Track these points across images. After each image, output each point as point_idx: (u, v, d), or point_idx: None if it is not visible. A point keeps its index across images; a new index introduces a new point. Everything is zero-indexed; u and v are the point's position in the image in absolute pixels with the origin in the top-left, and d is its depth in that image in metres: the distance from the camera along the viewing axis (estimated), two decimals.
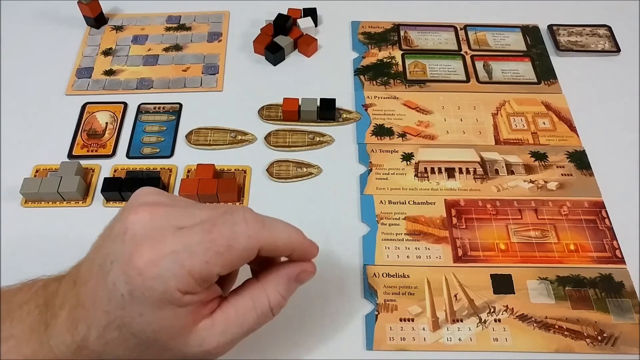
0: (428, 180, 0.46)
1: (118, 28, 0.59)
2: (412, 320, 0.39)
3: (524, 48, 0.57)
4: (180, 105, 0.52)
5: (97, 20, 0.58)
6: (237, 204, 0.45)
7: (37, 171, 0.47)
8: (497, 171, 0.47)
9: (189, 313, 0.26)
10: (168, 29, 0.59)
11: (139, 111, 0.51)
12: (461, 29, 0.59)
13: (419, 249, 0.42)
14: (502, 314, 0.39)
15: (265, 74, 0.55)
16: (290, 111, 0.49)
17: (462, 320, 0.39)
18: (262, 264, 0.31)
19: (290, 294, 0.30)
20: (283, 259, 0.31)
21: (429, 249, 0.42)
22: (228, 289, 0.31)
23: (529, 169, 0.47)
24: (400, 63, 0.55)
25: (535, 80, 0.54)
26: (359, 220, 0.44)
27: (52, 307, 0.28)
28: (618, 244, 0.43)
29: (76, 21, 0.58)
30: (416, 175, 0.47)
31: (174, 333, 0.26)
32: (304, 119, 0.50)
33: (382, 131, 0.50)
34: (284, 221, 0.29)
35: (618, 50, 0.57)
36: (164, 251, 0.25)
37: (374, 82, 0.54)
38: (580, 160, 0.48)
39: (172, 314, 0.26)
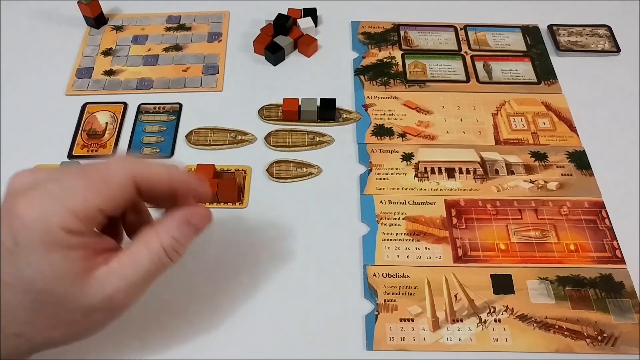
0: (428, 180, 0.46)
1: (118, 28, 0.59)
2: (412, 320, 0.39)
3: (524, 48, 0.57)
4: (180, 105, 0.52)
5: (97, 20, 0.58)
6: (237, 204, 0.45)
7: None
8: (497, 171, 0.47)
9: (80, 258, 0.26)
10: (168, 29, 0.59)
11: (139, 111, 0.51)
12: (461, 29, 0.59)
13: (419, 249, 0.42)
14: (502, 314, 0.39)
15: (265, 74, 0.55)
16: (290, 111, 0.49)
17: (462, 320, 0.39)
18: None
19: (186, 238, 0.30)
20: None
21: (429, 249, 0.42)
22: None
23: (529, 169, 0.47)
24: (400, 63, 0.55)
25: (535, 80, 0.54)
26: (359, 220, 0.44)
27: None
28: (618, 244, 0.43)
29: (76, 21, 0.58)
30: (416, 175, 0.47)
31: (67, 280, 0.26)
32: (304, 119, 0.50)
33: (382, 131, 0.50)
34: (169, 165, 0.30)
35: (618, 50, 0.57)
36: (42, 194, 0.26)
37: (374, 82, 0.54)
38: (580, 160, 0.48)
39: (62, 257, 0.26)
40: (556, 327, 0.39)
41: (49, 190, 0.26)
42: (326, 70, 0.55)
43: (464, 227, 0.44)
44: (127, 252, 0.28)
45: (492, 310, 0.39)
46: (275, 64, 0.55)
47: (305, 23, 0.57)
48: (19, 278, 0.26)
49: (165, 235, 0.29)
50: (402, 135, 0.49)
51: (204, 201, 0.32)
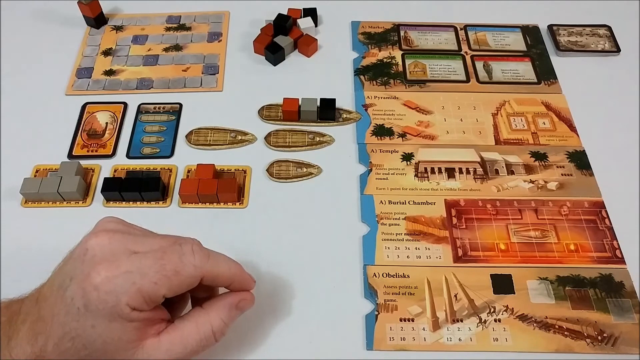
0: (428, 180, 0.46)
1: (118, 28, 0.59)
2: (412, 320, 0.39)
3: (524, 48, 0.57)
4: (180, 105, 0.52)
5: (97, 20, 0.58)
6: (237, 204, 0.45)
7: (37, 171, 0.47)
8: (497, 171, 0.47)
9: (136, 329, 0.29)
10: (168, 29, 0.59)
11: (139, 111, 0.51)
12: (461, 29, 0.59)
13: (419, 249, 0.42)
14: (502, 314, 0.39)
15: (265, 74, 0.55)
16: (290, 111, 0.49)
17: (462, 320, 0.39)
18: (205, 292, 0.34)
19: (232, 320, 0.33)
20: (222, 290, 0.34)
21: (429, 249, 0.42)
22: (177, 316, 0.34)
23: (529, 169, 0.47)
24: (400, 63, 0.55)
25: (535, 80, 0.54)
26: (359, 220, 0.44)
27: (14, 324, 0.30)
28: (618, 244, 0.43)
29: (76, 21, 0.58)
30: (416, 175, 0.47)
31: (121, 346, 0.29)
32: (304, 119, 0.50)
33: (382, 131, 0.50)
34: (227, 256, 0.33)
35: (618, 50, 0.57)
36: (118, 270, 0.29)
37: (374, 82, 0.54)
38: (580, 160, 0.48)
39: (121, 327, 0.29)
40: (556, 327, 0.39)
41: (127, 268, 0.29)
42: (326, 70, 0.55)
43: (464, 227, 0.44)
44: (179, 329, 0.31)
45: (492, 310, 0.39)
46: (275, 64, 0.55)
47: (305, 23, 0.57)
48: (81, 333, 0.29)
49: (216, 319, 0.32)
50: (402, 135, 0.49)
51: (249, 289, 0.35)
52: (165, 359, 0.30)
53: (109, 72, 0.54)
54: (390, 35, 0.58)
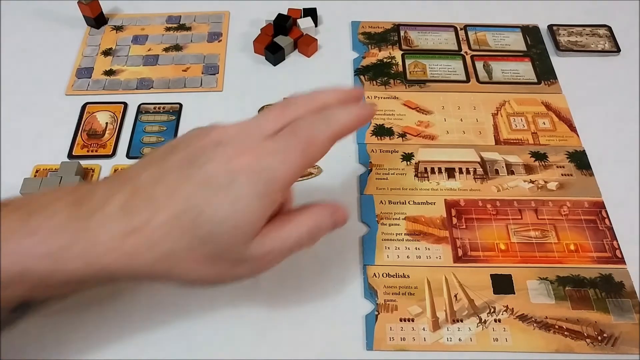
0: (428, 180, 0.46)
1: (118, 28, 0.59)
2: (412, 320, 0.39)
3: (524, 48, 0.57)
4: (180, 105, 0.52)
5: (97, 20, 0.58)
6: None
7: (37, 171, 0.47)
8: (497, 171, 0.47)
9: (264, 217, 0.29)
10: (168, 29, 0.59)
11: (139, 111, 0.51)
12: (461, 29, 0.59)
13: (419, 249, 0.42)
14: (502, 314, 0.39)
15: (265, 74, 0.55)
16: None
17: (462, 321, 0.39)
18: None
19: (326, 231, 0.32)
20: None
21: (429, 249, 0.42)
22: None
23: (529, 169, 0.47)
24: (400, 63, 0.55)
25: (535, 80, 0.54)
26: (359, 220, 0.44)
27: (88, 203, 0.28)
28: (618, 244, 0.43)
29: (76, 21, 0.58)
30: (416, 175, 0.47)
31: (242, 235, 0.28)
32: None
33: (382, 131, 0.50)
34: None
35: (618, 50, 0.57)
36: (264, 152, 0.28)
37: (374, 82, 0.54)
38: (580, 160, 0.48)
39: (258, 210, 0.28)
40: (556, 327, 0.39)
41: (271, 149, 0.29)
42: (326, 70, 0.55)
43: (464, 227, 0.44)
44: (286, 223, 0.31)
45: (492, 310, 0.39)
46: (275, 64, 0.55)
47: (305, 23, 0.57)
48: (208, 210, 0.27)
49: (312, 223, 0.31)
50: (402, 135, 0.49)
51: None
52: (275, 247, 0.30)
53: (109, 72, 0.54)
54: (390, 35, 0.58)
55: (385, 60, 0.56)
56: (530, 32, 0.59)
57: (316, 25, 0.58)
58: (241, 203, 0.27)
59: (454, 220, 0.44)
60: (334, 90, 0.33)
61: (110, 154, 0.48)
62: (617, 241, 0.43)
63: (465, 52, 0.57)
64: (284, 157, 0.28)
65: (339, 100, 0.32)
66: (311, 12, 0.58)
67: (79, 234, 0.27)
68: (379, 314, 0.39)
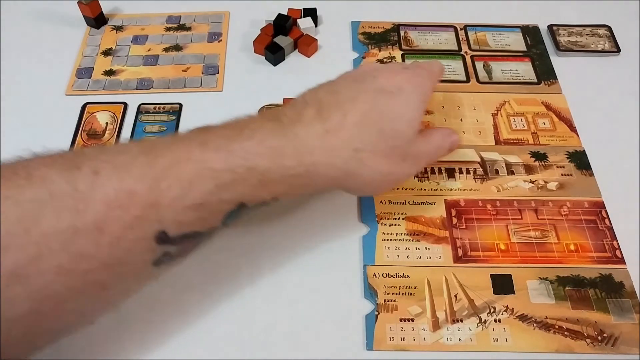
0: (428, 181, 0.46)
1: (118, 28, 0.59)
2: (412, 320, 0.39)
3: (524, 48, 0.57)
4: (180, 105, 0.52)
5: (97, 20, 0.58)
6: None
7: None
8: (497, 171, 0.47)
9: (421, 114, 0.37)
10: (168, 29, 0.59)
11: (139, 111, 0.51)
12: (461, 29, 0.59)
13: (419, 249, 0.42)
14: (502, 314, 0.39)
15: (265, 74, 0.55)
16: None
17: (462, 321, 0.39)
18: None
19: (444, 151, 0.41)
20: None
21: (429, 249, 0.42)
22: None
23: (529, 169, 0.47)
24: None
25: (535, 81, 0.54)
26: (359, 220, 0.44)
27: (284, 118, 0.34)
28: (618, 244, 0.43)
29: (76, 21, 0.58)
30: (416, 176, 0.47)
31: (411, 122, 0.36)
32: None
33: None
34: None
35: (618, 50, 0.57)
36: (414, 74, 0.38)
37: None
38: (580, 160, 0.48)
39: (420, 108, 0.37)
40: (556, 327, 0.39)
41: (415, 72, 0.39)
42: (326, 70, 0.54)
43: (464, 227, 0.44)
44: (430, 134, 0.40)
45: (492, 310, 0.39)
46: (275, 64, 0.55)
47: (305, 23, 0.57)
48: (386, 110, 0.35)
49: (442, 140, 0.40)
50: None
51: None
52: (429, 149, 0.39)
53: (109, 72, 0.54)
54: (390, 35, 0.58)
55: (385, 60, 0.56)
56: (530, 32, 0.59)
57: (316, 25, 0.58)
58: (410, 104, 0.36)
59: (454, 220, 0.44)
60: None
61: None
62: (617, 241, 0.43)
63: (465, 52, 0.57)
64: (424, 77, 0.38)
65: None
66: (311, 12, 0.58)
67: (288, 137, 0.32)
68: (379, 314, 0.39)
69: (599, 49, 0.57)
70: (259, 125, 0.33)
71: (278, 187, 0.32)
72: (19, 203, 0.26)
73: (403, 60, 0.56)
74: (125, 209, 0.27)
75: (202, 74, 0.54)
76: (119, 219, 0.27)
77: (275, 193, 0.33)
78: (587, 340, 0.38)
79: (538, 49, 0.57)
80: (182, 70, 0.55)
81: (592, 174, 0.47)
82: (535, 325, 0.39)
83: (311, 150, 0.32)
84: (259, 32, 0.56)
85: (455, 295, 0.40)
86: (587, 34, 0.58)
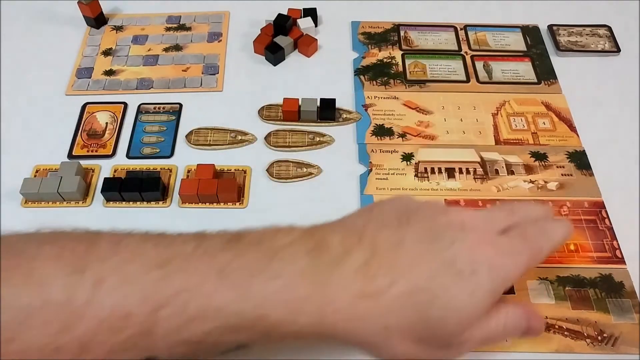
0: (428, 181, 0.46)
1: (118, 28, 0.59)
2: None
3: (524, 48, 0.57)
4: (180, 105, 0.52)
5: (97, 20, 0.58)
6: (237, 204, 0.45)
7: (37, 171, 0.47)
8: (497, 171, 0.47)
9: (490, 305, 0.28)
10: (168, 29, 0.59)
11: (139, 111, 0.51)
12: (461, 29, 0.59)
13: None
14: None
15: (265, 74, 0.55)
16: (290, 111, 0.49)
17: None
18: None
19: (515, 334, 0.31)
20: None
21: None
22: None
23: (529, 169, 0.47)
24: (400, 63, 0.55)
25: (535, 80, 0.54)
26: None
27: (327, 254, 0.28)
28: (618, 244, 0.43)
29: (76, 21, 0.58)
30: (416, 176, 0.47)
31: (470, 318, 0.28)
32: (304, 119, 0.50)
33: (382, 131, 0.50)
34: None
35: (618, 50, 0.57)
36: (502, 250, 0.29)
37: (374, 82, 0.54)
38: (580, 160, 0.48)
39: (485, 302, 0.28)
40: (556, 327, 0.39)
41: (508, 248, 0.29)
42: (326, 70, 0.55)
43: None
44: (496, 316, 0.29)
45: None
46: (275, 64, 0.55)
47: (305, 23, 0.57)
48: (440, 293, 0.27)
49: (522, 321, 0.31)
50: (402, 135, 0.49)
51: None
52: (477, 340, 0.29)
53: (109, 72, 0.54)
54: (390, 35, 0.58)
55: (385, 60, 0.56)
56: (530, 32, 0.59)
57: (316, 25, 0.58)
58: (478, 295, 0.27)
59: None
60: (542, 207, 0.35)
61: (110, 154, 0.48)
62: (617, 241, 0.43)
63: (465, 52, 0.57)
64: (516, 259, 0.29)
65: (546, 215, 0.34)
66: (311, 12, 0.58)
67: (318, 288, 0.27)
68: None
69: (599, 49, 0.57)
70: (293, 254, 0.28)
71: (284, 336, 0.28)
72: (10, 308, 0.24)
73: (403, 60, 0.56)
74: (116, 332, 0.25)
75: (202, 74, 0.54)
76: (107, 341, 0.25)
77: (281, 339, 0.28)
78: (587, 340, 0.38)
79: (538, 49, 0.57)
80: (182, 70, 0.55)
81: (592, 174, 0.47)
82: None
83: (337, 310, 0.27)
84: (259, 32, 0.56)
85: None
86: (587, 34, 0.58)
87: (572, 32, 0.58)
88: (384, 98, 0.52)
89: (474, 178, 0.47)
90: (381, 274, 0.27)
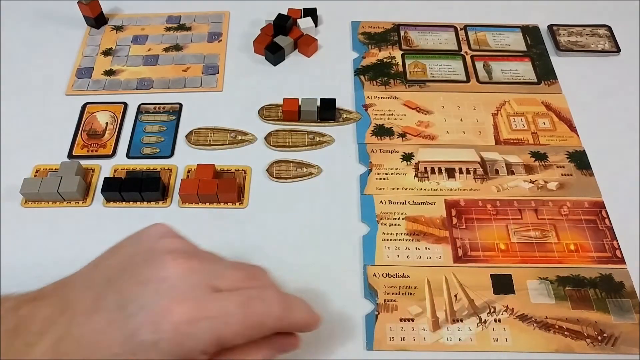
0: (428, 180, 0.46)
1: (118, 28, 0.59)
2: (412, 320, 0.39)
3: (524, 48, 0.57)
4: (180, 105, 0.52)
5: (97, 20, 0.58)
6: (237, 204, 0.45)
7: (37, 171, 0.47)
8: (497, 171, 0.47)
9: None
10: (168, 29, 0.59)
11: (139, 111, 0.51)
12: (461, 29, 0.59)
13: (419, 249, 0.42)
14: (502, 314, 0.39)
15: (265, 74, 0.55)
16: (290, 111, 0.49)
17: (462, 321, 0.39)
18: None
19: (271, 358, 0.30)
20: None
21: (429, 249, 0.42)
22: None
23: (529, 169, 0.47)
24: (400, 63, 0.55)
25: (535, 80, 0.54)
26: (359, 220, 0.44)
27: (25, 334, 0.26)
28: (618, 244, 0.43)
29: (76, 21, 0.58)
30: (416, 176, 0.47)
31: None
32: (304, 119, 0.50)
33: (382, 131, 0.50)
34: (305, 302, 0.31)
35: (618, 50, 0.57)
36: (202, 313, 0.26)
37: (374, 82, 0.54)
38: (580, 160, 0.48)
39: None
40: (556, 327, 0.39)
41: (211, 313, 0.26)
42: (326, 70, 0.55)
43: (464, 227, 0.44)
44: None
45: (492, 310, 0.39)
46: (275, 64, 0.55)
47: (305, 23, 0.57)
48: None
49: (258, 355, 0.29)
50: (402, 135, 0.49)
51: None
52: None
53: (109, 72, 0.54)
54: (390, 35, 0.58)
55: (385, 60, 0.56)
56: (530, 32, 0.59)
57: (316, 25, 0.58)
58: None
59: (454, 220, 0.44)
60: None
61: (110, 154, 0.48)
62: (617, 241, 0.43)
63: (465, 52, 0.57)
64: (222, 326, 0.27)
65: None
66: (311, 12, 0.58)
67: None
68: (379, 314, 0.39)
69: (599, 49, 0.57)
70: None
71: None
72: None
73: (403, 60, 0.56)
74: None
75: (202, 74, 0.54)
76: None
77: None
78: (587, 340, 0.38)
79: (538, 49, 0.57)
80: (182, 70, 0.55)
81: (592, 174, 0.47)
82: (535, 325, 0.39)
83: None
84: (259, 32, 0.56)
85: (455, 295, 0.40)
86: (587, 34, 0.58)
87: (572, 32, 0.58)
88: (384, 98, 0.52)
89: (474, 178, 0.47)
90: (70, 356, 0.25)
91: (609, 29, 0.59)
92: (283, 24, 0.55)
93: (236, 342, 0.27)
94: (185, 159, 0.48)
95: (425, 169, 0.47)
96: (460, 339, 0.38)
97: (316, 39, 0.56)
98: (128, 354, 0.25)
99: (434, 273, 0.41)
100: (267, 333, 0.29)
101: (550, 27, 0.59)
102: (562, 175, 0.47)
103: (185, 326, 0.25)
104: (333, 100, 0.49)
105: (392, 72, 0.55)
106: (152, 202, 0.45)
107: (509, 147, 0.49)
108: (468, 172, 0.47)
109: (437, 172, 0.47)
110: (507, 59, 0.56)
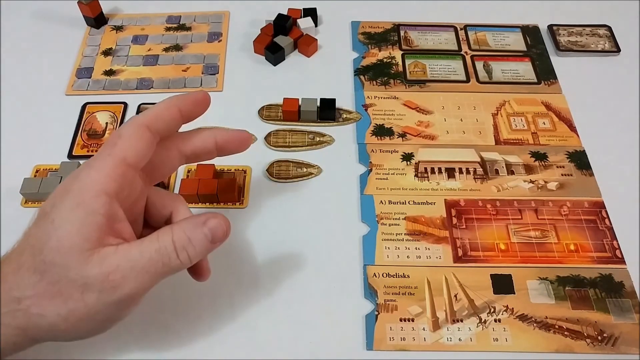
0: (428, 180, 0.46)
1: (118, 28, 0.59)
2: (412, 320, 0.39)
3: (524, 48, 0.57)
4: None
5: (97, 20, 0.58)
6: (237, 204, 0.45)
7: (37, 171, 0.47)
8: (497, 171, 0.47)
9: (96, 227, 0.27)
10: (168, 29, 0.59)
11: (139, 111, 0.51)
12: (461, 29, 0.59)
13: (419, 249, 0.42)
14: (502, 314, 0.39)
15: (265, 74, 0.55)
16: (290, 111, 0.49)
17: (462, 320, 0.39)
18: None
19: (199, 241, 0.29)
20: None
21: (429, 249, 0.42)
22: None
23: (529, 169, 0.47)
24: (400, 63, 0.55)
25: (535, 80, 0.54)
26: (359, 220, 0.44)
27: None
28: (618, 244, 0.43)
29: (76, 21, 0.58)
30: (416, 176, 0.47)
31: (76, 247, 0.27)
32: (304, 119, 0.50)
33: (382, 131, 0.50)
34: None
35: (618, 50, 0.57)
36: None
37: (374, 82, 0.54)
38: (580, 160, 0.48)
39: (82, 217, 0.27)
40: (556, 327, 0.39)
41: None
42: (326, 70, 0.55)
43: (464, 227, 0.44)
44: (138, 241, 0.29)
45: (492, 310, 0.39)
46: (275, 64, 0.55)
47: (305, 23, 0.57)
48: (36, 239, 0.27)
49: (178, 231, 0.29)
50: (402, 135, 0.49)
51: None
52: (120, 264, 0.27)
53: (109, 72, 0.54)
54: (390, 35, 0.58)
55: (385, 60, 0.56)
56: (530, 32, 0.59)
57: (316, 25, 0.58)
58: (55, 221, 0.27)
59: (454, 220, 0.44)
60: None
61: None
62: (617, 241, 0.43)
63: (465, 52, 0.57)
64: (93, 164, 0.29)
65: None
66: (311, 12, 0.58)
67: None
68: (379, 314, 0.39)
69: (599, 49, 0.57)
70: None
71: None
72: None
73: (403, 60, 0.56)
74: None
75: (202, 74, 0.54)
76: None
77: None
78: (587, 340, 0.38)
79: (538, 49, 0.57)
80: (182, 70, 0.55)
81: (592, 174, 0.47)
82: (535, 325, 0.39)
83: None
84: (259, 32, 0.56)
85: (455, 295, 0.40)
86: (587, 34, 0.58)
87: (572, 32, 0.58)
88: (384, 98, 0.52)
89: (474, 178, 0.47)
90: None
91: (609, 29, 0.59)
92: (283, 24, 0.55)
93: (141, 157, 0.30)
94: None
95: (425, 169, 0.47)
96: (460, 339, 0.38)
97: (316, 39, 0.56)
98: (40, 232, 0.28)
99: (434, 273, 0.41)
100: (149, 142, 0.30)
101: (550, 27, 0.59)
102: (562, 175, 0.47)
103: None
104: (333, 100, 0.49)
105: (392, 72, 0.55)
106: None
107: (509, 147, 0.49)
108: (468, 172, 0.47)
109: (437, 172, 0.47)
110: (507, 59, 0.56)
